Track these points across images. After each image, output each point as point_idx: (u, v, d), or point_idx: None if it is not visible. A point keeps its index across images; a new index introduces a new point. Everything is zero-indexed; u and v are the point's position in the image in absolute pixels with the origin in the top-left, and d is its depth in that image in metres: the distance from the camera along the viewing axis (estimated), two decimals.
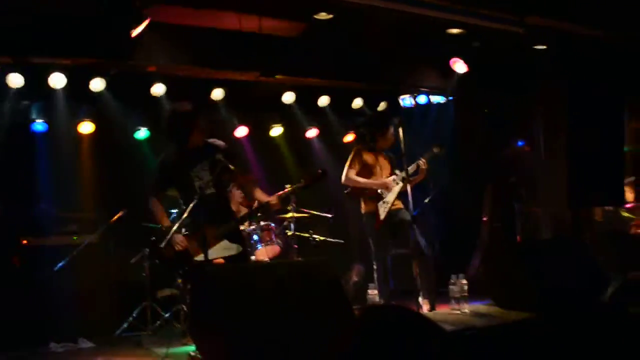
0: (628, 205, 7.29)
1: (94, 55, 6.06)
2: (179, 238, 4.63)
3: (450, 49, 7.29)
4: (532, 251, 5.92)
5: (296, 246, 6.63)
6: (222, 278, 4.05)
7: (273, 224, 6.82)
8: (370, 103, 8.10)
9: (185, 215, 4.47)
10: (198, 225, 4.51)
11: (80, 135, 6.77)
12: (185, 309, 5.86)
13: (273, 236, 6.71)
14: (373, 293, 5.65)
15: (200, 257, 4.49)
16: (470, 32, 6.60)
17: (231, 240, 4.70)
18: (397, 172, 6.07)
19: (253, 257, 6.40)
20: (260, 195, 4.90)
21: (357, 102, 8.01)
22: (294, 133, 8.07)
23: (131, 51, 6.00)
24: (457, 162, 8.06)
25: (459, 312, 5.58)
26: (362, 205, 6.11)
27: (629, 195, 7.26)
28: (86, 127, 6.72)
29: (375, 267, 5.99)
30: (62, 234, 6.33)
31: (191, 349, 4.76)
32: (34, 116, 6.54)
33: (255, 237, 6.59)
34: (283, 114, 7.85)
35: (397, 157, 5.99)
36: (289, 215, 6.65)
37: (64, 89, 6.33)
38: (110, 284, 6.40)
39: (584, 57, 7.29)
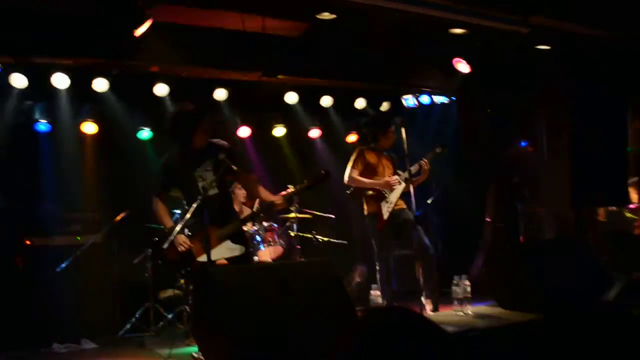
0: (632, 206, 7.27)
1: (96, 55, 6.07)
2: (182, 239, 4.63)
3: (453, 49, 7.28)
4: (535, 252, 5.91)
5: (299, 247, 6.63)
6: (224, 279, 4.04)
7: (276, 225, 6.82)
8: (373, 103, 8.09)
9: (188, 215, 4.47)
10: (201, 226, 4.50)
11: (83, 136, 6.77)
12: (188, 309, 5.86)
13: (276, 237, 6.71)
14: (376, 294, 5.65)
15: (203, 258, 4.49)
16: (473, 32, 6.58)
17: (234, 241, 4.70)
18: (400, 172, 6.06)
19: (256, 258, 6.40)
20: (265, 194, 4.89)
21: (360, 102, 8.01)
22: (296, 133, 8.07)
23: (134, 51, 6.00)
24: (460, 163, 8.05)
25: (461, 313, 5.56)
26: (365, 205, 6.11)
27: (633, 195, 7.23)
28: (89, 128, 6.72)
29: (377, 267, 5.98)
30: (65, 234, 6.34)
31: (194, 349, 4.77)
32: (37, 116, 6.54)
33: (258, 237, 6.58)
34: (286, 114, 7.84)
35: (400, 157, 5.98)
36: (292, 215, 6.66)
37: (67, 89, 6.36)
38: (113, 285, 6.40)
39: (587, 58, 7.28)
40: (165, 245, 4.49)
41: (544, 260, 5.47)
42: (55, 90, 6.33)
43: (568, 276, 5.30)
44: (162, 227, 4.84)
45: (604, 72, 7.26)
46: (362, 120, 6.72)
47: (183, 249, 4.61)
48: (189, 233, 4.73)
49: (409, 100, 8.31)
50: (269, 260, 6.54)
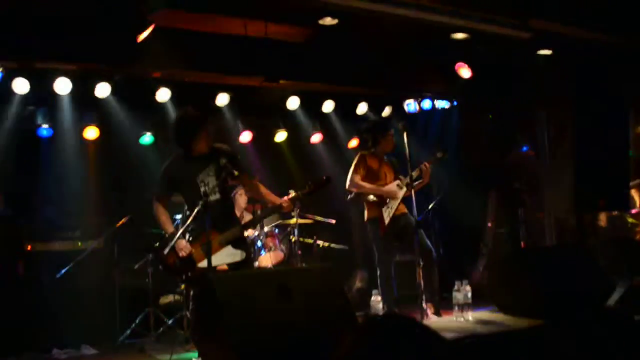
0: (633, 211, 7.26)
1: (99, 60, 6.09)
2: (183, 244, 4.63)
3: (454, 54, 7.29)
4: (537, 257, 5.90)
5: (300, 252, 6.62)
6: (225, 284, 4.04)
7: (277, 230, 6.81)
8: (375, 108, 8.10)
9: (189, 221, 4.47)
10: (202, 231, 4.50)
11: (85, 141, 6.78)
12: (188, 315, 5.85)
13: (277, 242, 6.70)
14: (376, 299, 5.64)
15: (203, 264, 4.48)
16: (474, 37, 6.59)
17: (235, 247, 4.69)
18: (401, 177, 6.06)
19: (256, 264, 6.39)
20: (271, 197, 4.89)
21: (362, 108, 8.01)
22: (298, 138, 8.07)
23: (136, 56, 6.02)
24: (461, 168, 8.04)
25: (462, 319, 5.55)
26: (366, 210, 6.10)
27: (635, 197, 7.22)
28: (91, 133, 6.73)
29: (378, 272, 5.97)
30: (66, 239, 6.34)
31: (194, 355, 4.76)
32: (39, 121, 6.56)
33: (259, 243, 6.58)
34: (287, 119, 7.85)
35: (401, 162, 5.98)
36: (293, 221, 6.65)
37: (69, 94, 6.37)
38: (113, 290, 6.39)
39: (589, 62, 7.27)
40: (166, 251, 4.48)
41: (545, 266, 5.46)
42: (57, 95, 6.34)
43: (569, 282, 5.29)
44: (163, 232, 4.84)
45: (606, 77, 7.26)
46: (362, 124, 6.72)
47: (184, 254, 4.61)
48: (190, 238, 4.73)
49: (410, 105, 8.32)
50: (270, 265, 6.53)
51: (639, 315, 3.92)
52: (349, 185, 6.06)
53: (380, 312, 5.39)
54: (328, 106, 7.81)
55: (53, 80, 6.18)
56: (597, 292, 5.34)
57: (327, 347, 3.37)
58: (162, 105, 6.78)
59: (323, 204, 7.20)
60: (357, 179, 6.01)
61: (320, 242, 6.99)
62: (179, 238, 4.51)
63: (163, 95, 6.71)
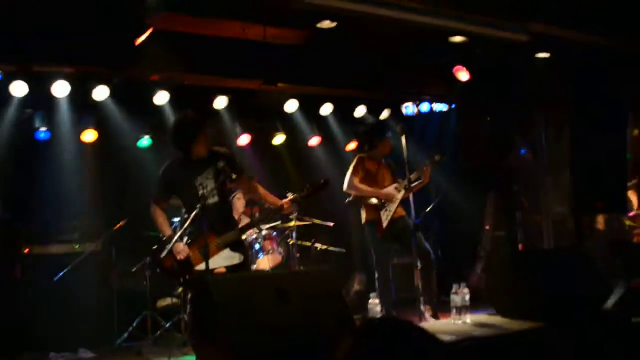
0: (631, 214, 7.27)
1: (97, 63, 6.10)
2: (181, 247, 4.62)
3: (452, 57, 7.30)
4: (535, 260, 5.89)
5: (298, 255, 6.62)
6: (223, 288, 4.03)
7: (275, 233, 6.81)
8: (373, 111, 8.11)
9: (187, 223, 4.47)
10: (200, 234, 4.50)
11: (83, 144, 6.78)
12: (185, 318, 5.85)
13: (275, 245, 6.70)
14: (374, 302, 5.63)
15: (201, 266, 4.48)
16: (473, 40, 6.60)
17: (233, 249, 4.69)
18: (399, 180, 6.06)
19: (254, 267, 6.39)
20: (271, 199, 4.89)
21: (360, 110, 8.02)
22: (296, 141, 8.08)
23: (134, 59, 6.02)
24: (459, 170, 8.05)
25: (460, 321, 5.54)
26: (364, 213, 6.10)
27: (633, 198, 7.23)
28: (89, 136, 6.73)
29: (376, 275, 5.97)
30: (64, 242, 6.34)
31: (191, 358, 4.75)
32: (37, 124, 6.56)
33: (256, 246, 6.57)
34: (286, 122, 7.86)
35: (399, 164, 5.99)
36: (291, 224, 6.65)
37: (67, 97, 6.37)
38: (111, 293, 6.39)
39: (587, 65, 7.29)
40: (164, 254, 4.48)
41: (543, 269, 5.45)
42: (55, 98, 6.35)
43: (567, 284, 5.29)
44: (161, 235, 4.84)
45: (604, 80, 7.27)
46: (360, 127, 6.72)
47: (181, 257, 4.60)
48: (188, 241, 4.72)
49: (408, 108, 8.33)
50: (268, 268, 6.52)
51: (637, 318, 3.93)
52: (346, 187, 6.05)
53: (378, 315, 5.38)
54: (326, 109, 7.82)
55: (51, 83, 6.19)
56: (595, 295, 5.34)
57: (325, 350, 3.37)
58: (160, 108, 6.78)
59: (321, 207, 7.20)
60: (355, 181, 6.01)
61: (318, 245, 6.99)
62: (176, 241, 4.51)
63: (161, 98, 6.72)
